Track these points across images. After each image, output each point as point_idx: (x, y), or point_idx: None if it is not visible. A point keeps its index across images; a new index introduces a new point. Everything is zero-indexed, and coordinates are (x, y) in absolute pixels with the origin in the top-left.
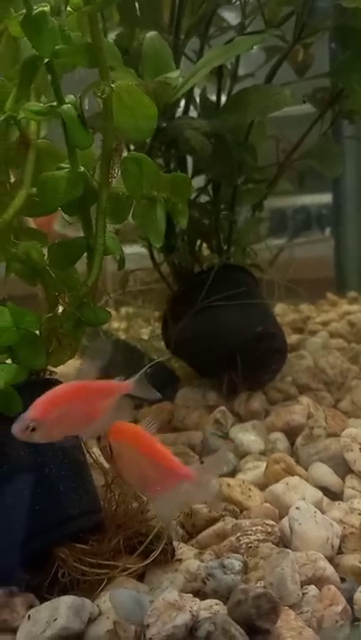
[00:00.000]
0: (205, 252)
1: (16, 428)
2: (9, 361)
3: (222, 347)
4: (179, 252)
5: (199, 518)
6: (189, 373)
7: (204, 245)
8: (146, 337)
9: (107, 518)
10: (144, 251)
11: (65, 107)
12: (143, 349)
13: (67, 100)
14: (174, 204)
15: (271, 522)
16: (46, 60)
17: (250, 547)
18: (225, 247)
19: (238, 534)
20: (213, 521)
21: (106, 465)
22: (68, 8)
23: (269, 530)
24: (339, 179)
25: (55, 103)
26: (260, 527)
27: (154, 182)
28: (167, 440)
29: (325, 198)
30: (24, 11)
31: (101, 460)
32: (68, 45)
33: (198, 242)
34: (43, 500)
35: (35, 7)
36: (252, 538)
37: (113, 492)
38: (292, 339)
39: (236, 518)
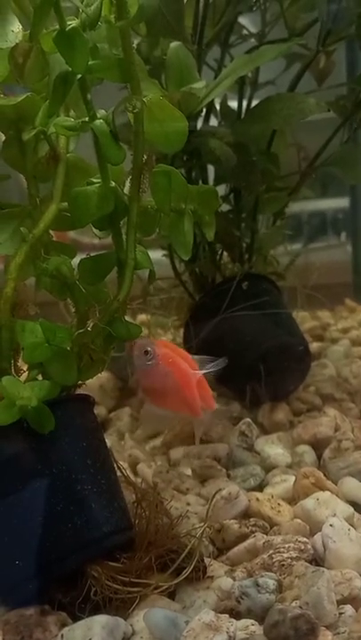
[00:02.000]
0: (226, 260)
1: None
2: (40, 377)
3: (246, 356)
4: (200, 260)
5: (229, 534)
6: (211, 382)
7: (225, 254)
8: None
9: (137, 535)
10: (160, 257)
11: (97, 122)
12: None
13: (98, 116)
14: (201, 216)
15: (304, 539)
16: (79, 76)
17: (283, 564)
18: (247, 256)
19: (271, 552)
20: (244, 537)
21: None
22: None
23: (302, 547)
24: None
25: (87, 118)
26: (292, 544)
27: (182, 195)
28: (192, 452)
29: (341, 202)
30: (56, 26)
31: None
32: (100, 60)
33: (219, 250)
34: (75, 517)
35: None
36: (285, 555)
37: (143, 509)
38: (313, 347)
39: (267, 534)
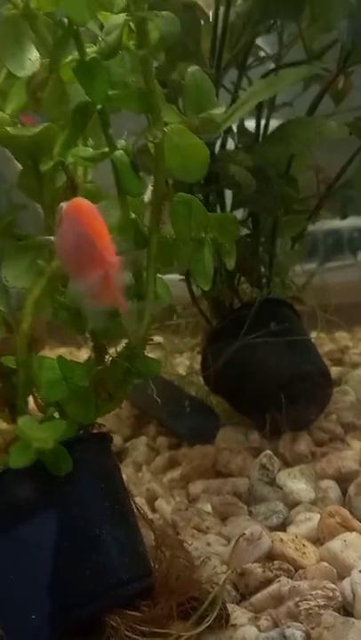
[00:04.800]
0: (244, 284)
1: None
2: (56, 414)
3: (266, 385)
4: (217, 285)
5: (253, 579)
6: (228, 410)
7: (243, 279)
8: (183, 372)
9: (157, 581)
10: (173, 280)
11: (117, 153)
12: (181, 385)
13: (118, 146)
14: (221, 245)
15: (331, 585)
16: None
17: (310, 613)
18: (265, 281)
19: (297, 599)
20: (268, 581)
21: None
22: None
23: (330, 594)
24: None
25: (106, 149)
26: (320, 591)
27: (202, 224)
28: (211, 487)
29: (358, 221)
30: (75, 55)
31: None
32: (120, 91)
33: (237, 275)
34: (93, 563)
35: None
36: (312, 604)
37: (163, 553)
38: (332, 372)
39: (291, 578)
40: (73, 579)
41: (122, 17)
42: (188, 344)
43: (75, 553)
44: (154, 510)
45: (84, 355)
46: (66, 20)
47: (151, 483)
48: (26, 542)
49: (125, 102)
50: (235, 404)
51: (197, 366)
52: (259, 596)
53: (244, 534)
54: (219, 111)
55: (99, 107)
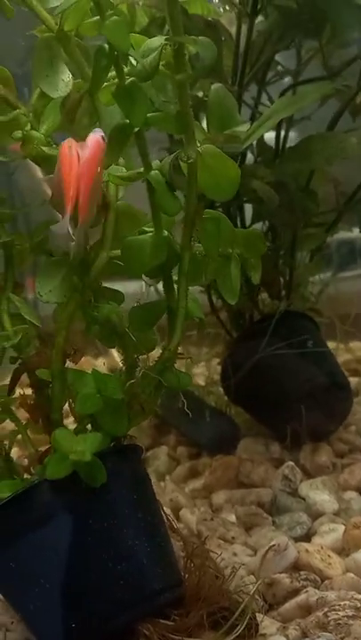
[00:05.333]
0: (264, 296)
1: None
2: (89, 426)
3: (287, 397)
4: (239, 297)
5: (280, 589)
6: (247, 421)
7: (261, 290)
8: (202, 382)
9: (188, 590)
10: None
11: (153, 173)
12: (201, 396)
13: (154, 166)
14: (246, 260)
15: (359, 596)
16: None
17: (339, 623)
18: (285, 293)
19: (326, 609)
20: (295, 592)
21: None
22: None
23: (358, 605)
24: None
25: (142, 169)
26: (348, 602)
27: (229, 240)
28: (234, 497)
29: None
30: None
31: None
32: (157, 113)
33: (257, 287)
34: (126, 573)
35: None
36: (341, 614)
37: (194, 563)
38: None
39: (318, 588)
40: (108, 588)
41: (159, 40)
42: (207, 354)
43: (109, 563)
44: (178, 520)
45: (100, 363)
46: (107, 47)
47: (175, 493)
48: (61, 552)
49: (162, 124)
50: (255, 415)
51: (217, 377)
52: (287, 605)
53: (274, 545)
54: (244, 128)
55: (136, 129)
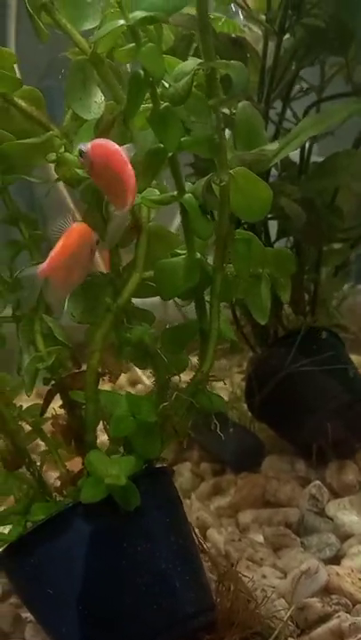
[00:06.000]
0: (288, 311)
1: None
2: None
3: (313, 413)
4: None
5: (312, 613)
6: (271, 437)
7: (286, 305)
8: (225, 398)
9: (220, 614)
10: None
11: (187, 196)
12: (225, 412)
13: (187, 189)
14: (276, 279)
15: None
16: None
17: None
18: (309, 309)
19: (359, 635)
20: (327, 616)
21: None
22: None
23: None
24: None
25: (175, 192)
26: None
27: (260, 260)
28: (261, 517)
29: None
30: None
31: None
32: (191, 137)
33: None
34: (160, 597)
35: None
36: None
37: (225, 587)
38: None
39: (349, 612)
40: (142, 612)
41: (192, 64)
42: (228, 371)
43: (143, 587)
44: (205, 539)
45: (122, 381)
46: (142, 73)
47: (201, 511)
48: (95, 576)
49: (195, 147)
50: (280, 432)
51: (239, 392)
52: (319, 630)
53: (306, 570)
54: (272, 147)
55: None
